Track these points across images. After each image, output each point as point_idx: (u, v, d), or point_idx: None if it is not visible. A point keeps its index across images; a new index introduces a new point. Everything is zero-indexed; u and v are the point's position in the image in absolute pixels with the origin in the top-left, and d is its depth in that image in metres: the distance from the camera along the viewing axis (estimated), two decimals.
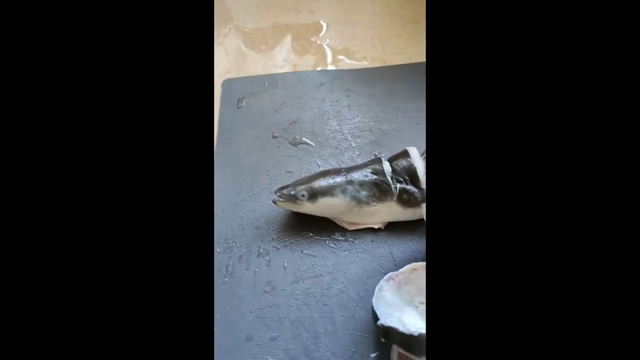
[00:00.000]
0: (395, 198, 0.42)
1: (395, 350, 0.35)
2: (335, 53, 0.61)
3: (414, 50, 0.60)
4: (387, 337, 0.33)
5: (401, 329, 0.32)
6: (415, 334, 0.32)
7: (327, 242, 0.44)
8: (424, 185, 0.42)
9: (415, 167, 0.42)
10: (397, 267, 0.42)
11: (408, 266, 0.39)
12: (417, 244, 0.43)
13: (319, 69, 0.59)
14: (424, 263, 0.39)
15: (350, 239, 0.44)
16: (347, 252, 0.43)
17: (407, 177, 0.43)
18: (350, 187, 0.42)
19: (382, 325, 0.33)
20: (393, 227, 0.44)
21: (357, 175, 0.43)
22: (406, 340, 0.32)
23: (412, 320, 0.34)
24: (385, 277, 0.38)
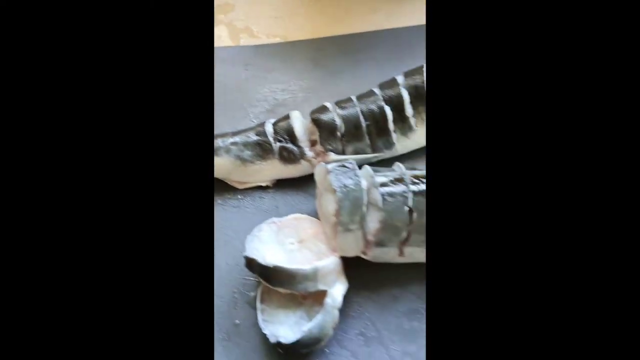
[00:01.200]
0: (276, 156, 0.46)
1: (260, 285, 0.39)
2: (239, 32, 0.65)
3: (312, 26, 0.64)
4: (249, 267, 0.37)
5: (260, 260, 0.36)
6: (271, 265, 0.36)
7: (218, 201, 0.47)
8: (301, 142, 0.46)
9: (293, 127, 0.46)
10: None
11: (292, 215, 0.43)
12: (302, 198, 0.48)
13: (222, 45, 0.63)
14: (307, 216, 0.43)
15: (239, 197, 0.48)
16: (236, 208, 0.47)
17: (287, 137, 0.47)
18: (234, 148, 0.46)
19: (246, 256, 0.37)
20: (280, 185, 0.48)
21: (241, 138, 0.47)
22: (264, 271, 0.36)
23: (274, 255, 0.38)
24: (269, 220, 0.42)
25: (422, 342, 0.38)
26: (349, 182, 0.38)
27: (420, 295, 0.40)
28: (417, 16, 0.63)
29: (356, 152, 0.46)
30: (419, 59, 0.51)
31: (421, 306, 0.40)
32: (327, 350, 0.38)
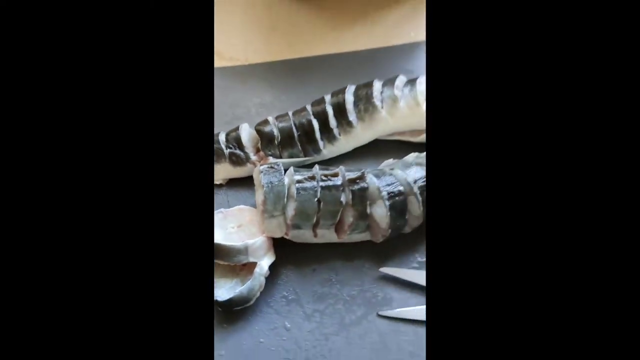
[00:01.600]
0: (227, 160, 0.57)
1: None
2: None
3: (270, 51, 0.76)
4: None
5: None
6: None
7: None
8: (247, 149, 0.58)
9: (240, 136, 0.58)
10: None
11: (237, 207, 0.54)
12: (248, 193, 0.59)
13: None
14: (248, 207, 0.54)
15: None
16: None
17: (235, 144, 0.58)
18: None
19: None
20: (231, 183, 0.59)
21: None
22: None
23: (216, 236, 0.49)
24: (217, 210, 0.53)
25: (330, 301, 0.49)
26: (274, 179, 0.49)
27: (333, 268, 0.52)
28: (359, 42, 0.75)
29: (290, 157, 0.57)
30: (360, 79, 0.62)
31: (333, 276, 0.51)
32: (257, 309, 0.49)
